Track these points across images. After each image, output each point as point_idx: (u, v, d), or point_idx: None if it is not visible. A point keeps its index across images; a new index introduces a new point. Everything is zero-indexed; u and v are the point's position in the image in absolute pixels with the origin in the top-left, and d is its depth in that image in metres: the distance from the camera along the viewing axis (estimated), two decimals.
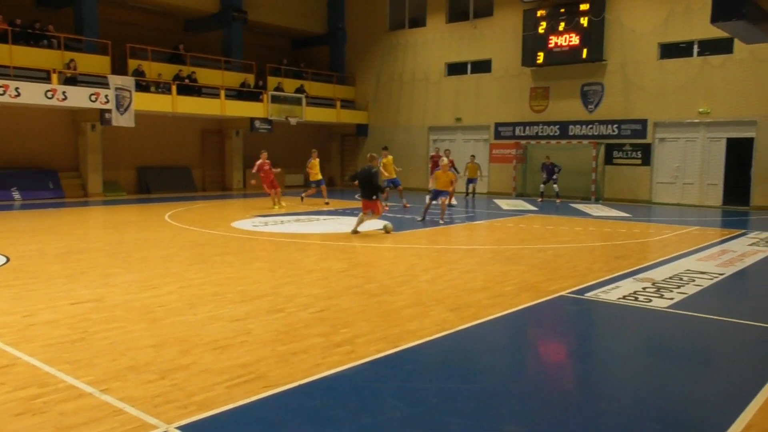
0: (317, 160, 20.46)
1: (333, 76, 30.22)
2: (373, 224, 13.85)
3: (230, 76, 25.53)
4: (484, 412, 4.28)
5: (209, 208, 18.83)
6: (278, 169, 19.70)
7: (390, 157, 19.53)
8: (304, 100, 26.82)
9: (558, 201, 22.15)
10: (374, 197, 13.21)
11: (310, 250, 11.04)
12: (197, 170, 26.44)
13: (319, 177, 20.32)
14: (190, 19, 26.89)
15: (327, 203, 20.04)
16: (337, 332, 5.99)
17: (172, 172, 25.42)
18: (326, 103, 28.91)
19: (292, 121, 26.28)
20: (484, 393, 4.63)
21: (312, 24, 30.27)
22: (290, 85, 27.73)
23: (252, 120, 25.37)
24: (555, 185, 22.27)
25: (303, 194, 21.38)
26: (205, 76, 24.55)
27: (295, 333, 5.95)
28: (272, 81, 26.96)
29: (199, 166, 26.52)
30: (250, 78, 26.19)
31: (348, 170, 31.56)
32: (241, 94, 25.29)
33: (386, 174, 19.04)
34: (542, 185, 22.62)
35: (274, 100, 25.70)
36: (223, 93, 24.16)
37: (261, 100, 25.46)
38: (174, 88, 22.59)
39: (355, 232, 13.04)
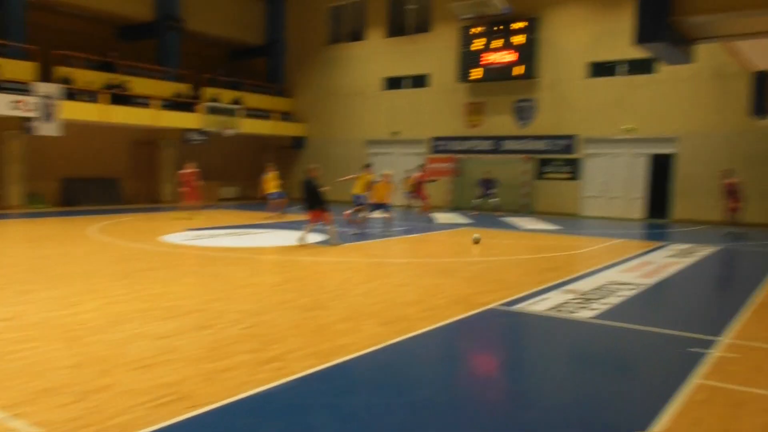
0: (274, 173, 20.23)
1: (271, 87, 29.98)
2: (316, 237, 13.76)
3: (165, 86, 24.95)
4: (415, 426, 4.28)
5: (138, 222, 18.28)
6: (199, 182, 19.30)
7: (370, 176, 18.71)
8: (240, 112, 26.46)
9: (497, 214, 22.54)
10: (319, 207, 13.28)
11: (242, 265, 10.85)
12: (126, 182, 25.65)
13: (277, 190, 19.98)
14: (123, 27, 26.18)
15: (269, 217, 19.73)
16: (267, 348, 5.90)
17: (99, 184, 24.56)
18: (263, 114, 28.62)
19: (228, 132, 25.88)
20: (415, 406, 4.64)
21: (250, 35, 29.99)
22: (227, 95, 27.33)
23: (186, 131, 24.84)
24: (493, 199, 22.70)
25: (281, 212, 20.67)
26: (139, 85, 23.91)
27: (224, 350, 5.82)
28: (208, 91, 26.49)
29: (128, 178, 25.74)
30: (186, 88, 25.67)
31: (284, 183, 31.19)
32: (175, 104, 24.73)
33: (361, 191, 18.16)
34: (478, 199, 23.01)
35: (210, 111, 25.25)
36: (156, 103, 23.56)
37: (196, 111, 24.97)
38: (105, 96, 21.87)
39: (301, 242, 13.19)
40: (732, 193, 16.82)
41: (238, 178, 30.29)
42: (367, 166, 18.82)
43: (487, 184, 22.79)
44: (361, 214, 16.28)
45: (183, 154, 25.39)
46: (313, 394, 4.83)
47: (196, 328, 6.58)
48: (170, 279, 9.35)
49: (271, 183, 19.93)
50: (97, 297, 7.97)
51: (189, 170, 18.82)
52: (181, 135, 24.99)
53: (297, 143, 30.33)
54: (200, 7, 27.23)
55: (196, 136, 25.19)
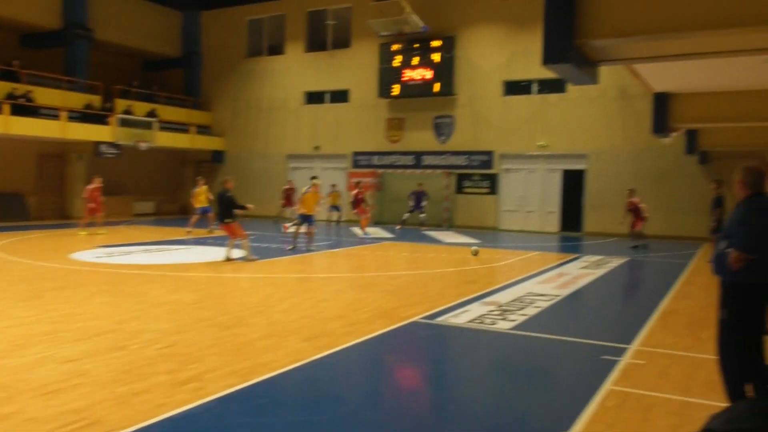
0: (204, 187, 19.76)
1: (188, 100, 29.27)
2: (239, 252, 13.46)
3: (73, 97, 23.84)
4: None
5: (45, 239, 17.33)
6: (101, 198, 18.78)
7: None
8: (155, 125, 25.65)
9: (424, 228, 22.62)
10: (228, 220, 13.04)
11: (158, 282, 10.47)
12: (32, 197, 24.27)
13: (206, 204, 19.37)
14: (27, 34, 24.87)
15: (211, 231, 19.18)
16: (185, 369, 5.69)
17: (2, 199, 23.13)
18: (180, 128, 27.84)
19: (143, 146, 24.99)
20: (336, 424, 4.59)
21: (165, 46, 29.20)
22: (141, 108, 26.43)
23: (98, 144, 23.82)
24: (422, 214, 22.70)
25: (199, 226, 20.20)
26: (45, 95, 22.74)
27: (138, 372, 5.57)
28: (121, 103, 25.53)
29: (34, 193, 24.37)
30: (97, 99, 24.64)
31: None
32: (85, 116, 23.65)
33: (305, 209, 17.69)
34: (408, 213, 22.85)
35: (123, 123, 24.30)
36: (64, 114, 22.47)
37: (108, 123, 24.00)
38: (6, 107, 20.65)
39: (228, 259, 13.04)
40: (634, 211, 17.68)
41: (154, 193, 29.30)
42: (313, 177, 18.57)
43: (419, 197, 22.89)
44: (297, 228, 15.98)
45: (95, 168, 24.32)
46: (233, 414, 4.70)
47: (109, 349, 6.28)
48: (80, 299, 8.89)
49: (200, 197, 19.50)
50: None
51: (94, 185, 18.42)
52: (93, 148, 23.92)
53: (216, 157, 29.69)
54: (111, 17, 26.28)
55: (109, 150, 24.19)
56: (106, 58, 28.00)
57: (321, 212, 23.43)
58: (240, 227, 13.32)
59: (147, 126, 25.34)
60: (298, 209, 16.06)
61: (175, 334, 6.97)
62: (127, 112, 25.09)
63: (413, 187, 23.24)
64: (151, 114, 26.37)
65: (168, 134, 26.66)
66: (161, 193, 29.71)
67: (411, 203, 22.76)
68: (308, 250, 15.42)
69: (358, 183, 22.14)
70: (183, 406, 4.77)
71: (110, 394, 4.98)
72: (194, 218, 19.36)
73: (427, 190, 23.41)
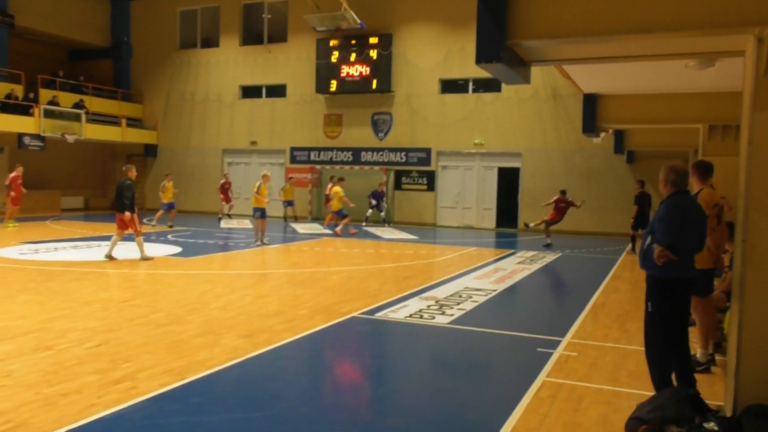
0: (171, 182, 20.04)
1: (117, 92, 28.25)
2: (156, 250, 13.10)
3: None
4: None
5: None
6: (24, 191, 18.84)
7: (336, 188, 18.91)
8: (83, 116, 24.65)
9: (388, 225, 22.66)
10: (129, 212, 12.33)
11: (88, 279, 10.09)
12: None
13: (172, 200, 19.88)
14: None
15: (171, 227, 19.52)
16: (117, 368, 5.52)
17: None
18: (110, 120, 26.85)
19: (70, 138, 23.99)
20: (274, 420, 4.55)
21: (92, 35, 28.07)
22: (67, 99, 25.34)
23: (21, 135, 22.69)
24: (382, 212, 22.68)
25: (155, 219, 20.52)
26: None
27: (66, 372, 5.36)
28: (46, 94, 24.39)
29: None
30: (18, 89, 23.45)
31: (135, 192, 29.52)
32: (6, 106, 22.49)
33: (337, 205, 18.67)
34: (370, 210, 22.71)
35: (48, 114, 23.25)
36: None
37: (32, 114, 22.90)
38: None
39: (110, 257, 12.25)
40: (558, 209, 17.57)
41: (84, 187, 28.17)
42: (340, 179, 19.56)
43: (378, 196, 22.80)
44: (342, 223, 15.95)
45: (19, 161, 23.15)
46: (168, 413, 4.60)
47: (34, 349, 6.02)
48: (3, 297, 8.48)
49: (169, 193, 19.83)
50: None
51: (16, 173, 18.48)
52: (16, 140, 22.76)
53: (149, 151, 28.82)
54: (33, 3, 25.01)
55: (33, 142, 23.09)
56: (29, 46, 26.71)
57: (276, 207, 23.35)
58: (137, 220, 12.57)
59: (74, 118, 24.33)
60: (253, 203, 15.99)
61: (106, 332, 6.75)
62: (52, 102, 24.01)
63: (382, 186, 23.01)
64: (79, 105, 25.34)
65: (97, 126, 25.69)
66: (91, 188, 28.59)
67: (373, 201, 22.63)
68: (247, 246, 15.18)
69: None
70: (115, 406, 4.63)
71: (36, 396, 4.77)
72: (159, 213, 19.99)
73: (364, 186, 23.40)
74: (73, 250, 13.76)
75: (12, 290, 9.04)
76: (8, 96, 22.74)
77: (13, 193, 18.24)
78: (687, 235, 4.72)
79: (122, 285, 9.66)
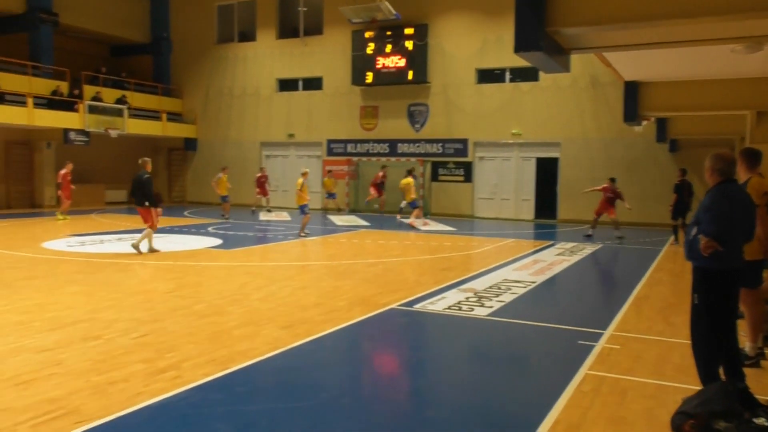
0: (226, 176, 20.90)
1: (158, 87, 28.76)
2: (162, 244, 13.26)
3: (39, 83, 23.27)
4: (316, 430, 4.24)
5: (15, 227, 16.98)
6: (73, 187, 19.55)
7: (408, 179, 19.51)
8: (126, 112, 25.20)
9: (400, 217, 22.67)
10: (146, 204, 12.29)
11: (133, 271, 10.34)
12: (0, 185, 23.73)
13: (226, 193, 20.73)
14: None
15: (226, 218, 20.50)
16: (162, 357, 5.65)
17: None
18: (151, 115, 27.39)
19: (113, 133, 24.56)
20: (315, 410, 4.60)
21: (133, 32, 28.61)
22: (110, 94, 25.92)
23: (66, 131, 23.31)
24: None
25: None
26: (9, 81, 22.14)
27: (114, 361, 5.51)
28: (89, 90, 25.00)
29: (2, 181, 23.81)
30: (64, 86, 24.09)
31: (176, 185, 30.16)
32: (52, 102, 23.13)
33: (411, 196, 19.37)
34: (404, 202, 22.74)
35: (92, 110, 23.84)
36: (30, 101, 21.94)
37: (77, 110, 23.50)
38: None
39: (137, 248, 12.22)
40: (606, 200, 16.82)
41: (126, 181, 28.66)
42: (410, 171, 20.16)
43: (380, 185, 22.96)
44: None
45: (65, 156, 23.81)
46: (211, 402, 4.68)
47: (83, 339, 6.20)
48: (53, 288, 8.75)
49: (223, 185, 20.60)
50: None
51: (65, 170, 19.14)
52: (62, 135, 23.41)
53: (189, 145, 29.31)
54: (76, 1, 25.66)
55: (78, 137, 23.71)
56: (73, 44, 27.39)
57: (316, 200, 23.74)
58: (155, 215, 12.55)
59: (117, 113, 24.90)
60: (297, 201, 16.16)
61: (150, 323, 6.90)
62: (95, 98, 24.59)
63: (397, 176, 23.08)
64: (121, 101, 25.90)
65: (139, 121, 26.24)
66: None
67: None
68: (286, 239, 15.37)
69: (384, 167, 23.15)
70: (161, 394, 4.74)
71: (86, 384, 4.92)
72: (226, 205, 20.81)
73: (400, 178, 23.31)
74: (118, 243, 14.10)
75: (61, 281, 9.32)
76: (54, 92, 23.38)
77: (59, 192, 19.02)
78: (735, 225, 4.60)
79: (165, 276, 9.86)
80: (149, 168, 12.83)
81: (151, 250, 12.40)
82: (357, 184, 25.90)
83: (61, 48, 25.48)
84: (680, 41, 6.54)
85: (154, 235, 12.74)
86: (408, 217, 19.64)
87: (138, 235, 12.62)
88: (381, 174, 23.37)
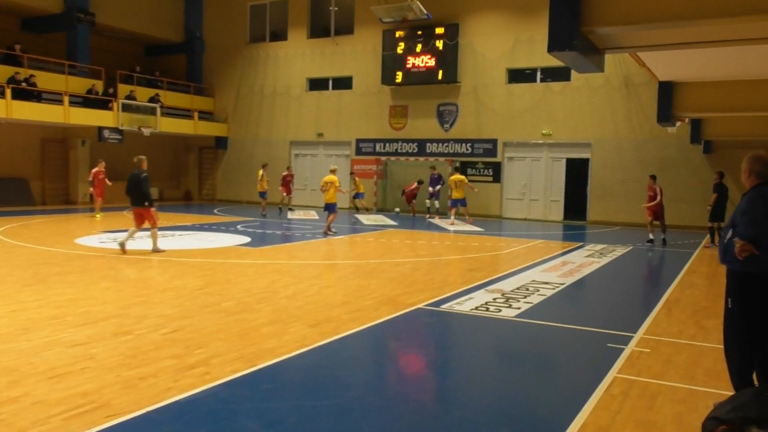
0: (262, 172, 21.77)
1: (190, 86, 29.15)
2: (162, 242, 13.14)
3: (75, 82, 23.77)
4: (344, 429, 4.25)
5: (50, 224, 17.37)
6: (109, 183, 19.79)
7: (459, 176, 20.36)
8: (158, 110, 25.60)
9: (428, 216, 22.75)
10: (146, 204, 11.96)
11: (163, 268, 10.50)
12: (36, 182, 24.29)
13: (265, 189, 21.73)
14: (28, 18, 24.76)
15: (263, 214, 21.55)
16: (191, 353, 5.72)
17: (6, 184, 23.15)
18: (183, 114, 27.79)
19: (146, 131, 24.98)
20: (342, 409, 4.61)
21: (167, 31, 29.05)
22: (144, 93, 26.36)
23: (101, 129, 23.77)
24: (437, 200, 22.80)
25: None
26: (47, 80, 22.67)
27: (144, 356, 5.60)
28: (123, 88, 25.46)
29: (38, 178, 24.38)
30: (99, 84, 24.56)
31: (206, 183, 30.54)
32: (87, 101, 23.62)
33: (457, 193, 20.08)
34: (430, 199, 22.87)
35: (126, 108, 24.28)
36: (66, 99, 22.42)
37: (111, 109, 23.95)
38: (8, 91, 20.58)
39: (122, 246, 11.87)
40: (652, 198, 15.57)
41: (158, 179, 29.23)
42: (456, 168, 21.17)
43: (435, 181, 22.84)
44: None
45: (99, 154, 24.28)
46: (239, 399, 4.72)
47: (114, 334, 6.31)
48: (85, 283, 8.92)
49: (264, 182, 21.51)
50: (5, 303, 7.51)
51: (98, 168, 19.42)
52: (97, 133, 23.88)
53: (220, 143, 29.66)
54: (112, 1, 26.13)
55: (112, 135, 24.15)
56: (108, 43, 27.90)
57: (343, 199, 23.94)
58: (156, 214, 12.25)
59: (150, 111, 25.32)
60: (326, 198, 16.18)
61: (180, 319, 7.00)
62: (129, 97, 25.03)
63: (415, 175, 23.24)
64: (154, 99, 26.32)
65: (171, 120, 26.64)
66: (165, 179, 29.69)
67: (431, 189, 22.77)
68: (313, 237, 15.45)
69: (420, 182, 23.18)
70: (190, 390, 4.80)
71: (117, 378, 5.00)
72: (263, 202, 21.91)
73: (423, 177, 23.49)
74: (149, 240, 14.29)
75: (93, 277, 9.50)
76: (89, 91, 23.85)
77: (91, 189, 19.34)
78: None
79: (195, 273, 9.99)
80: (145, 166, 12.32)
81: (156, 251, 12.08)
82: (385, 183, 25.91)
83: (96, 47, 25.98)
84: (717, 41, 6.41)
85: (136, 235, 12.60)
86: (448, 216, 19.87)
87: (125, 234, 12.40)
88: (415, 186, 23.25)
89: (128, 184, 12.17)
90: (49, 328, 6.44)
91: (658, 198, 15.29)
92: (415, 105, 25.19)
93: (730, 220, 4.77)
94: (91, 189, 19.32)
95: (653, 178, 15.74)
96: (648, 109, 20.43)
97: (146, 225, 12.27)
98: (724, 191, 15.41)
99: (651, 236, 15.80)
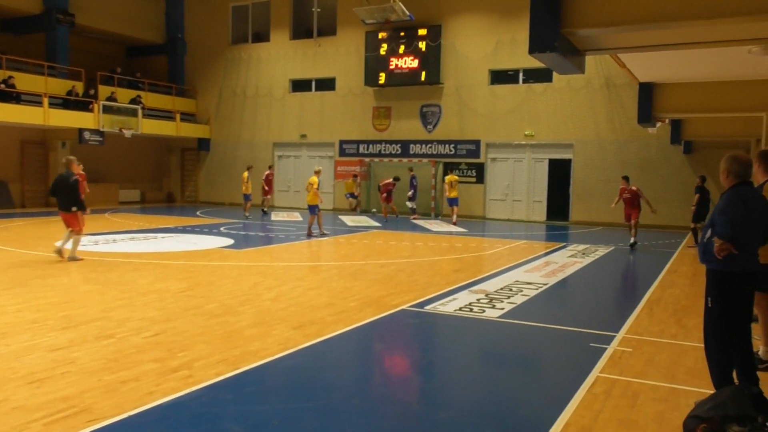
0: (247, 174, 21.61)
1: (172, 87, 28.96)
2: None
3: (55, 83, 23.50)
4: (327, 431, 4.24)
5: (30, 226, 17.15)
6: (87, 189, 17.36)
7: (454, 176, 20.98)
8: (140, 112, 25.39)
9: (413, 218, 22.72)
10: (73, 209, 11.12)
11: (145, 270, 10.40)
12: (15, 184, 23.98)
13: (250, 191, 21.51)
14: (7, 19, 24.45)
15: (246, 215, 21.42)
16: (174, 357, 5.68)
17: None
18: (165, 115, 27.59)
19: (127, 133, 24.76)
20: (326, 411, 4.60)
21: (148, 32, 28.82)
22: (125, 95, 26.13)
23: (81, 131, 23.52)
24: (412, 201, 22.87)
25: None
26: (26, 81, 22.38)
27: (126, 360, 5.55)
28: (104, 90, 25.21)
29: (17, 180, 24.07)
30: (79, 86, 24.30)
31: (188, 185, 30.34)
32: (68, 102, 23.36)
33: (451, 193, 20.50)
34: (410, 201, 22.93)
35: (107, 110, 24.04)
36: (46, 101, 22.15)
37: (91, 110, 23.71)
38: None
39: (59, 252, 11.23)
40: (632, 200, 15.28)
41: (140, 181, 29.07)
42: (452, 169, 21.49)
43: (412, 181, 22.92)
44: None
45: (79, 155, 23.94)
46: (223, 402, 4.70)
47: (96, 338, 6.24)
48: (66, 287, 8.82)
49: (249, 184, 21.36)
50: None
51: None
52: (77, 135, 23.62)
53: (202, 145, 29.48)
54: (92, 2, 25.88)
55: (93, 137, 23.90)
56: (88, 44, 27.63)
57: (340, 200, 23.98)
58: (83, 219, 11.53)
59: (131, 113, 25.10)
60: (309, 200, 16.03)
61: (163, 322, 6.94)
62: (110, 98, 24.80)
63: (396, 175, 23.19)
64: (135, 101, 26.09)
65: (153, 121, 26.43)
66: (147, 181, 29.48)
67: (410, 190, 22.78)
68: (297, 239, 15.40)
69: (396, 179, 22.70)
70: (172, 394, 4.76)
71: (99, 383, 4.95)
72: (248, 204, 21.58)
73: (406, 178, 23.49)
74: (131, 242, 14.19)
75: (75, 280, 9.40)
76: (69, 92, 23.59)
77: None
78: (750, 228, 4.55)
79: (177, 276, 9.92)
80: (75, 168, 11.55)
81: (72, 258, 11.14)
82: (369, 184, 25.91)
83: (76, 48, 25.72)
84: (696, 42, 6.48)
85: (68, 239, 11.46)
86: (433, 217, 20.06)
87: (67, 239, 11.46)
88: (390, 182, 22.41)
89: (54, 186, 11.38)
90: (29, 332, 6.35)
91: (643, 198, 15.12)
92: (398, 106, 25.22)
93: (709, 219, 4.83)
94: None
95: (626, 179, 15.53)
96: (629, 110, 20.62)
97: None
98: (705, 194, 15.58)
99: (633, 239, 15.25)
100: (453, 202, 20.64)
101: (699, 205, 15.41)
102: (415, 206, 22.81)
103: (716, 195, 17.23)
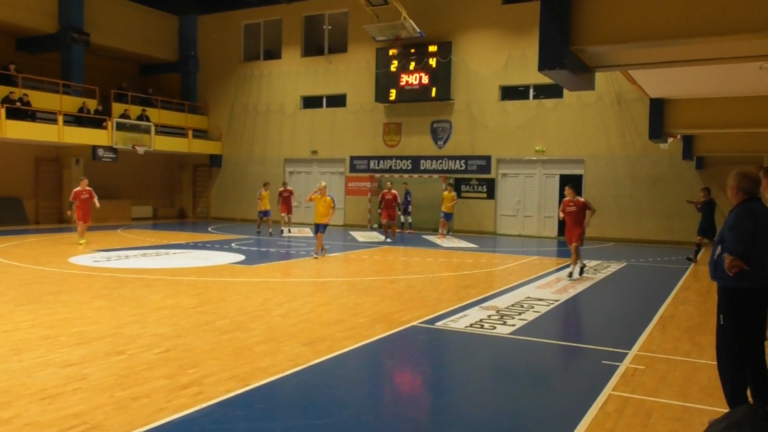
0: (267, 192, 21.48)
1: (184, 104, 29.24)
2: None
3: (70, 101, 23.79)
4: None
5: (43, 243, 17.30)
6: (98, 205, 17.16)
7: (450, 193, 21.15)
8: (153, 129, 25.64)
9: (423, 234, 22.74)
10: None
11: (156, 286, 10.45)
12: (30, 201, 24.23)
13: (268, 208, 21.39)
14: (23, 38, 24.84)
15: (271, 234, 21.21)
16: (184, 373, 5.69)
17: (0, 203, 23.08)
18: (177, 132, 27.84)
19: (140, 150, 24.99)
20: (337, 428, 4.59)
21: (161, 50, 29.18)
22: (138, 112, 26.39)
23: (95, 148, 23.77)
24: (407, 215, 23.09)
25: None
26: (41, 99, 22.68)
27: (137, 376, 5.57)
28: (118, 107, 25.50)
29: (32, 197, 24.32)
30: (93, 103, 24.61)
31: (200, 201, 30.51)
32: (81, 120, 23.64)
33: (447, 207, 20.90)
34: (406, 215, 23.17)
35: (120, 127, 24.30)
36: (61, 118, 22.43)
37: (105, 127, 23.97)
38: (2, 111, 20.56)
39: None
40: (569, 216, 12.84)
41: (152, 197, 29.29)
42: (450, 184, 21.76)
43: (406, 196, 23.05)
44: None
45: (93, 172, 24.26)
46: (233, 419, 4.70)
47: (107, 354, 6.27)
48: (79, 303, 8.88)
49: (265, 200, 21.30)
50: None
51: (80, 187, 16.93)
52: (91, 152, 23.87)
53: (214, 161, 29.69)
54: (107, 21, 26.26)
55: (106, 154, 24.15)
56: (103, 62, 27.99)
57: (350, 216, 23.90)
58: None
59: (144, 130, 25.35)
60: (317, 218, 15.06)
61: (173, 338, 6.97)
62: (123, 116, 25.07)
63: (418, 193, 23.29)
64: (148, 118, 26.35)
65: (165, 138, 26.68)
66: (159, 197, 29.69)
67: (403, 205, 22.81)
68: (307, 255, 15.40)
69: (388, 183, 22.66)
70: (183, 410, 4.77)
71: (110, 399, 4.97)
72: (259, 221, 21.76)
73: (423, 195, 23.59)
74: (143, 258, 14.28)
75: (86, 296, 9.45)
76: (81, 109, 23.86)
77: (69, 212, 17.66)
78: (760, 244, 4.52)
79: (189, 292, 9.95)
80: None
81: None
82: (378, 201, 25.91)
83: (91, 66, 26.05)
84: (707, 59, 6.48)
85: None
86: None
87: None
88: (387, 190, 21.10)
89: None
90: (41, 348, 6.39)
91: (590, 211, 12.47)
92: (408, 122, 25.31)
93: (718, 235, 4.80)
94: (69, 212, 17.35)
95: (573, 188, 12.82)
96: (640, 126, 20.58)
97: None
98: (712, 206, 15.45)
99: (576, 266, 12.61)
100: (447, 216, 21.08)
101: (705, 218, 15.27)
102: (410, 221, 23.02)
103: (726, 208, 17.12)
